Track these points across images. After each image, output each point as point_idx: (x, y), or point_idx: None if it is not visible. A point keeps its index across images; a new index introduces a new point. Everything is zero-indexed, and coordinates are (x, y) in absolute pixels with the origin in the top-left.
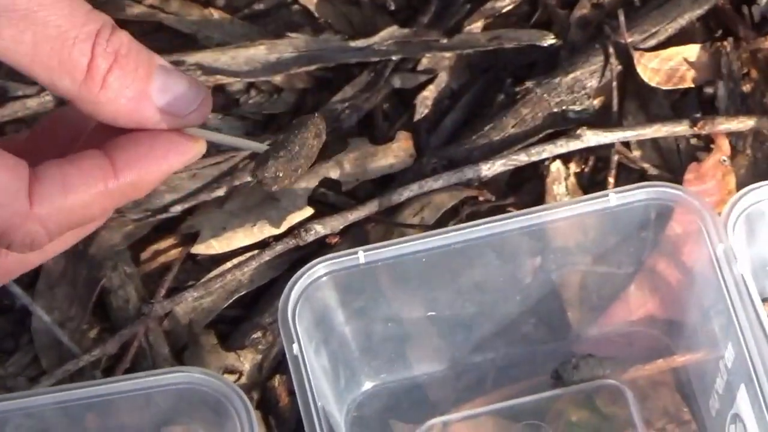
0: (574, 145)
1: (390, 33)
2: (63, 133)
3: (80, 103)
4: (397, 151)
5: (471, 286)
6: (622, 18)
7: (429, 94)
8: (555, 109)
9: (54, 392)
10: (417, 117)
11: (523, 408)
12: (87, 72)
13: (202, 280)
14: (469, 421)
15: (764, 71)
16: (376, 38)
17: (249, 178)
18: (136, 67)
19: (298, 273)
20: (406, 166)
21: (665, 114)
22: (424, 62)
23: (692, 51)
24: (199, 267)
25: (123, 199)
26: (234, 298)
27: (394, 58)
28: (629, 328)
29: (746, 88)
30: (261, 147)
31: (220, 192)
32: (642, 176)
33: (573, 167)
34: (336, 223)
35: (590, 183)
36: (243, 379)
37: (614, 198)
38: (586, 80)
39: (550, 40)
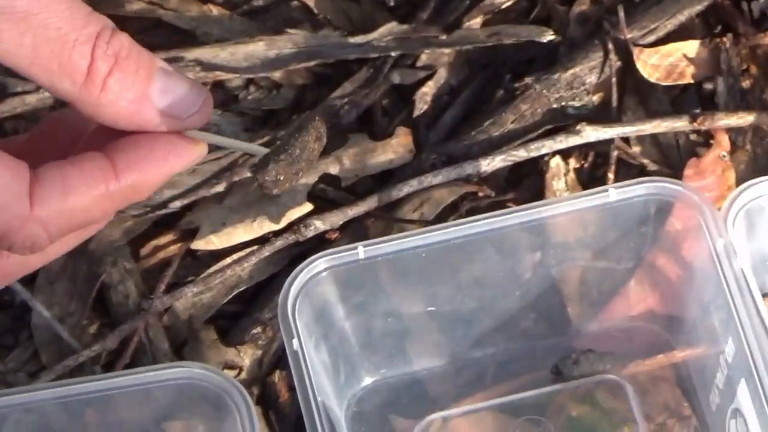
0: (573, 141)
1: (389, 29)
2: (64, 135)
3: (81, 105)
4: (396, 147)
5: (471, 282)
6: (621, 14)
7: (428, 90)
8: (554, 105)
9: (54, 387)
10: (416, 113)
11: (523, 403)
12: (87, 75)
13: (202, 276)
14: (469, 416)
15: (764, 67)
16: (375, 34)
17: (248, 174)
18: (137, 69)
19: (298, 268)
20: (406, 162)
21: (665, 110)
22: (424, 58)
23: (692, 47)
24: (199, 262)
25: (124, 201)
26: (234, 294)
27: (393, 54)
28: (629, 323)
29: (746, 83)
30: (261, 150)
31: (220, 188)
32: (641, 172)
33: (572, 163)
34: (335, 218)
35: (590, 179)
36: (243, 375)
37: (614, 193)
38: (586, 76)
39: (549, 36)
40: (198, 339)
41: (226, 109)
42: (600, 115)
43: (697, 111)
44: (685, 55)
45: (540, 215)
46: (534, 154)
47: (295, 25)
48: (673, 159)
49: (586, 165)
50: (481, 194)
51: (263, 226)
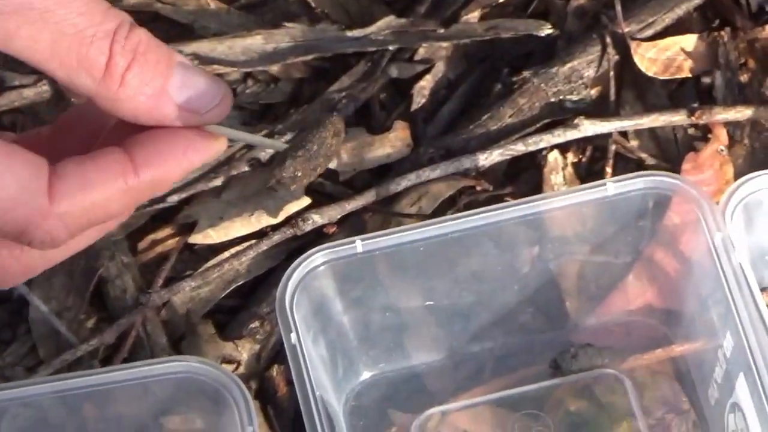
0: (571, 135)
1: (387, 23)
2: (83, 130)
3: (99, 100)
4: (394, 141)
5: (469, 276)
6: (619, 8)
7: (426, 83)
8: (552, 99)
9: (51, 382)
10: (414, 107)
11: (521, 397)
12: (105, 70)
13: (200, 270)
14: (467, 410)
15: (761, 61)
16: (373, 28)
17: (246, 168)
18: (155, 64)
19: (296, 262)
20: (404, 156)
21: (662, 104)
22: (421, 52)
23: (689, 41)
24: (197, 257)
25: (143, 196)
26: (232, 288)
27: (391, 47)
28: (627, 317)
29: (743, 77)
30: (280, 146)
31: (218, 182)
32: (639, 166)
33: (570, 157)
34: (333, 212)
35: (588, 173)
36: (241, 369)
37: (612, 187)
38: (584, 70)
39: (547, 30)
40: (196, 333)
41: None
42: (598, 109)
43: (695, 105)
44: (682, 49)
45: (538, 209)
46: (532, 148)
47: (292, 19)
48: (670, 153)
49: (583, 159)
50: (479, 188)
51: (261, 220)
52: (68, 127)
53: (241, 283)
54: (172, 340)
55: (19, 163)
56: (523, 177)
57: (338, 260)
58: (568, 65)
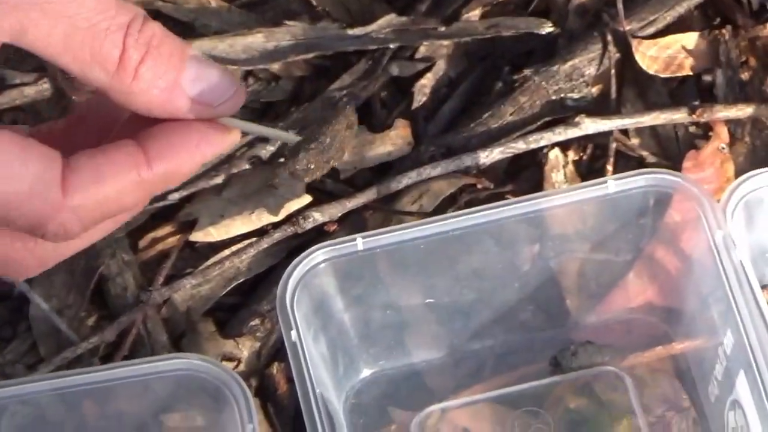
0: (572, 133)
1: (388, 21)
2: (96, 124)
3: (113, 94)
4: (395, 139)
5: (469, 273)
6: (620, 6)
7: (427, 82)
8: (553, 97)
9: (52, 379)
10: (415, 105)
11: (521, 395)
12: (119, 63)
13: (200, 268)
14: (467, 408)
15: (762, 59)
16: (373, 26)
17: (247, 166)
18: (169, 57)
19: (297, 260)
20: (404, 154)
21: (663, 102)
22: (422, 50)
23: (690, 39)
24: (197, 254)
25: (156, 188)
26: (232, 286)
27: (391, 46)
28: (628, 315)
29: (744, 75)
30: (293, 138)
31: (219, 179)
32: (640, 164)
33: (571, 155)
34: (334, 210)
35: (588, 171)
36: (241, 367)
37: (613, 185)
38: (585, 68)
39: (548, 28)
40: (196, 331)
41: None
42: (599, 107)
43: (696, 103)
44: (684, 47)
45: (539, 207)
46: (533, 146)
47: (293, 17)
48: (671, 151)
49: (584, 157)
50: (479, 186)
51: (262, 218)
52: (81, 121)
53: (241, 280)
54: (172, 338)
55: (32, 156)
56: (524, 175)
57: (339, 258)
58: (569, 63)
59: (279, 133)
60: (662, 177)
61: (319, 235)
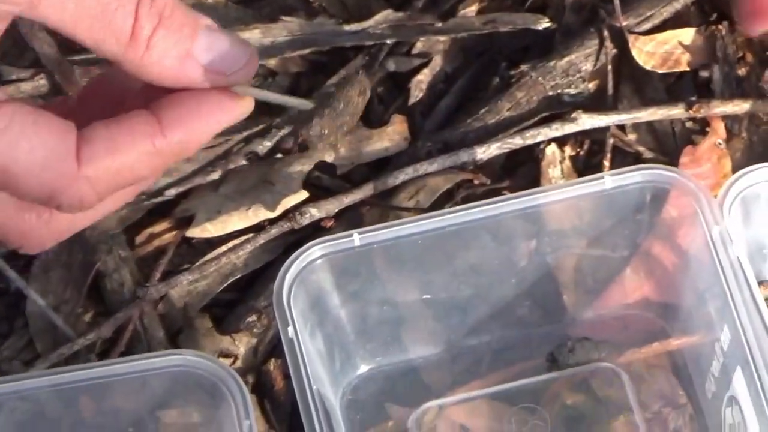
0: (569, 129)
1: (384, 17)
2: (111, 95)
3: (126, 65)
4: (391, 135)
5: (466, 269)
6: (617, 1)
7: (424, 77)
8: (550, 93)
9: (48, 375)
10: (412, 100)
11: (518, 391)
12: (131, 34)
13: (197, 264)
14: (464, 404)
15: (759, 55)
16: (370, 22)
17: (244, 162)
18: (181, 27)
19: (293, 256)
20: (401, 150)
21: (660, 97)
22: (419, 46)
23: (687, 35)
24: (194, 250)
25: (171, 158)
26: (229, 282)
27: (388, 41)
28: (625, 311)
29: (741, 71)
30: (306, 104)
31: (215, 175)
32: (637, 159)
33: (568, 150)
34: (331, 206)
35: (585, 166)
36: (238, 363)
37: (609, 180)
38: (581, 64)
39: (544, 24)
40: (193, 327)
41: None
42: (596, 102)
43: (693, 99)
44: (680, 43)
45: (535, 203)
46: (530, 141)
47: (290, 13)
48: (668, 147)
49: (581, 153)
50: (476, 182)
51: (258, 214)
52: (94, 93)
53: (238, 276)
54: (169, 334)
55: (47, 127)
56: (521, 170)
57: (336, 254)
58: (566, 59)
59: (292, 100)
60: (659, 172)
61: (315, 230)
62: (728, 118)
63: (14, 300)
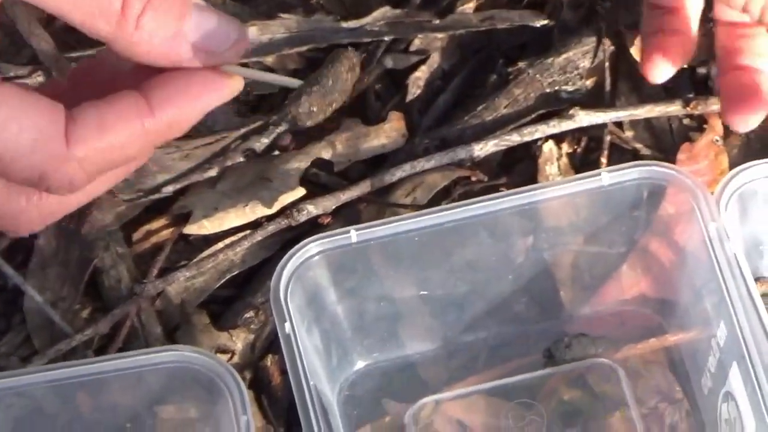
0: (566, 126)
1: (382, 14)
2: (101, 77)
3: (116, 45)
4: (389, 132)
5: (463, 266)
6: None
7: (421, 74)
8: (547, 90)
9: (46, 371)
10: (409, 97)
11: (515, 387)
12: (121, 13)
13: (195, 260)
14: (461, 400)
15: None
16: (368, 19)
17: (241, 159)
18: (170, 6)
19: (290, 252)
20: (399, 147)
21: (658, 94)
22: (417, 43)
23: None
24: (192, 247)
25: (161, 137)
26: (226, 278)
27: (386, 38)
28: (621, 307)
29: None
30: (294, 82)
31: (213, 172)
32: (634, 156)
33: (565, 147)
34: (328, 203)
35: (583, 163)
36: (235, 359)
37: (607, 177)
38: (579, 61)
39: (542, 21)
40: (190, 323)
41: None
42: (593, 99)
43: (691, 95)
44: None
45: (533, 199)
46: (527, 138)
47: (287, 10)
48: (666, 143)
49: (579, 149)
50: (473, 179)
51: (256, 211)
52: (84, 76)
53: (235, 273)
54: (166, 330)
55: (35, 108)
56: (518, 167)
57: (333, 250)
58: (564, 56)
59: (281, 78)
60: (656, 169)
61: (313, 227)
62: None
63: (12, 296)
